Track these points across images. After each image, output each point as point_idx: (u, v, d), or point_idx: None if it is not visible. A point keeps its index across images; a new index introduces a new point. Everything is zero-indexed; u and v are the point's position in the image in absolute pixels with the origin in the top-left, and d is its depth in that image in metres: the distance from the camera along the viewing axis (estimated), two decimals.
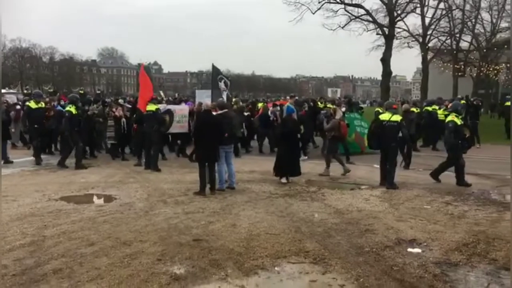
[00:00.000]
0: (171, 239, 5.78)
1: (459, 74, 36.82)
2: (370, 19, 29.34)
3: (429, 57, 34.82)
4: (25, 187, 8.92)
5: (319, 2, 28.36)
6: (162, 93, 22.96)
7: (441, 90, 32.21)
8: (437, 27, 34.46)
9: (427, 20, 33.00)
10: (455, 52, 36.32)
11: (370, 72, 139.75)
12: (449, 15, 33.59)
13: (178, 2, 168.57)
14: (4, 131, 11.92)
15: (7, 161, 11.76)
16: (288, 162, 9.53)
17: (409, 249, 5.52)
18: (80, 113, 11.82)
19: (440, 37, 36.10)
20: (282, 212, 7.18)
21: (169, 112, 12.64)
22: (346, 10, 29.00)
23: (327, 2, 28.58)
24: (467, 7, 33.80)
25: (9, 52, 70.74)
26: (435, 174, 9.78)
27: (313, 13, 28.58)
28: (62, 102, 14.19)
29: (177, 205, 7.59)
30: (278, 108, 14.68)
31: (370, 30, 30.33)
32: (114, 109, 13.04)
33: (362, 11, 29.09)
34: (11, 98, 18.86)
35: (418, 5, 31.44)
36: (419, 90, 38.93)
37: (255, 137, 15.49)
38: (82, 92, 23.65)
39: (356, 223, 6.61)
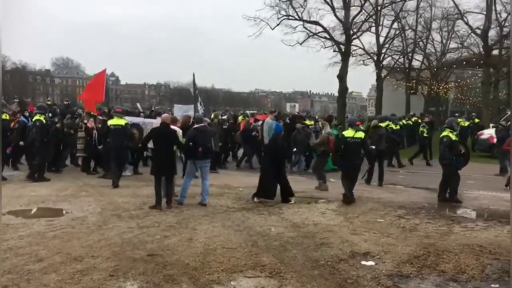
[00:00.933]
0: (125, 254, 5.63)
1: (411, 91, 38.14)
2: (328, 36, 30.01)
3: (383, 74, 35.90)
4: None
5: (278, 18, 28.80)
6: (139, 106, 22.15)
7: (394, 106, 33.31)
8: (391, 46, 35.67)
9: (381, 39, 34.10)
10: (407, 70, 37.66)
11: (328, 88, 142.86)
12: (402, 35, 34.91)
13: (136, 13, 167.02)
14: None
15: None
16: (272, 183, 9.18)
17: (363, 262, 5.62)
18: (49, 124, 11.41)
19: (393, 56, 37.34)
20: (239, 226, 7.16)
21: (138, 127, 12.07)
22: (304, 27, 29.54)
23: (286, 19, 29.09)
24: (419, 27, 35.28)
25: None
26: (442, 196, 9.60)
27: (272, 29, 29.00)
28: (26, 113, 13.51)
29: (131, 219, 7.42)
30: (260, 123, 14.51)
31: (327, 47, 31.00)
32: (85, 121, 12.61)
33: (319, 29, 29.71)
34: None
35: (373, 25, 32.45)
36: (374, 107, 40.01)
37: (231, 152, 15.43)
38: (49, 102, 22.65)
39: (312, 237, 6.67)
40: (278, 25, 28.98)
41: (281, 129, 10.32)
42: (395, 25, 33.74)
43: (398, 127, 16.40)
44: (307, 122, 14.95)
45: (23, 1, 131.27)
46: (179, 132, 9.11)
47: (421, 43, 36.80)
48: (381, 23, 33.11)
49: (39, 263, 5.24)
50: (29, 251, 5.65)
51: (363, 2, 29.48)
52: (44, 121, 11.02)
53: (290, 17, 29.14)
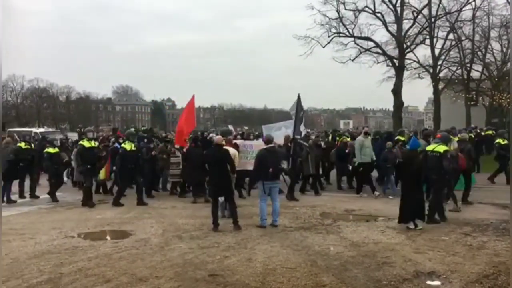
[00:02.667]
0: (187, 275, 5.76)
1: (472, 103, 36.65)
2: (380, 51, 29.67)
3: (440, 87, 34.82)
4: (42, 224, 9.02)
5: (328, 36, 28.88)
6: (231, 127, 22.16)
7: (454, 119, 32.09)
8: (447, 57, 34.61)
9: (436, 51, 33.19)
10: (466, 81, 36.31)
11: (382, 103, 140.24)
12: (459, 45, 33.79)
13: (186, 40, 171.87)
14: (10, 171, 11.79)
15: (10, 201, 11.73)
16: (412, 203, 8.30)
17: (428, 282, 5.43)
18: (141, 150, 11.79)
19: (450, 67, 36.18)
20: (298, 246, 7.13)
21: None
22: (356, 43, 29.41)
23: (337, 36, 29.08)
24: (477, 37, 33.99)
25: (27, 92, 72.53)
26: None
27: (323, 47, 29.06)
28: (120, 140, 13.54)
29: (192, 240, 7.59)
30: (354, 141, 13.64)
31: (380, 62, 30.64)
32: (177, 145, 12.82)
33: (371, 44, 29.49)
34: (72, 136, 18.90)
35: (427, 37, 31.71)
36: (432, 120, 38.75)
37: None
38: (135, 129, 22.70)
39: (373, 256, 6.53)
40: (329, 42, 29.08)
41: (416, 145, 9.12)
42: (451, 36, 32.81)
43: (506, 141, 14.61)
44: (400, 137, 13.96)
45: (81, 36, 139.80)
46: (233, 152, 9.18)
47: (479, 53, 35.42)
48: (435, 34, 32.32)
49: (107, 284, 5.46)
50: (97, 272, 5.90)
51: (416, 14, 29.00)
52: (128, 148, 11.19)
53: (341, 34, 29.15)
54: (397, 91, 28.26)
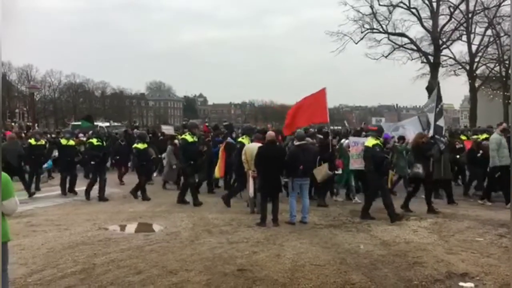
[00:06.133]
0: (216, 269, 5.82)
1: (510, 101, 35.52)
2: (414, 47, 29.18)
3: (477, 84, 33.90)
4: (77, 216, 9.28)
5: (361, 32, 28.60)
6: (346, 123, 21.68)
7: (490, 118, 31.12)
8: (484, 54, 33.66)
9: (474, 48, 32.34)
10: (504, 79, 35.19)
11: (416, 100, 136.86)
12: (497, 41, 32.79)
13: (216, 37, 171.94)
14: (21, 166, 11.70)
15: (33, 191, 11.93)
16: None
17: (461, 283, 5.31)
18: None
19: (488, 64, 35.17)
20: (327, 243, 7.09)
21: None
22: (389, 40, 29.06)
23: (370, 32, 28.75)
24: None
25: (64, 87, 74.60)
26: None
27: (356, 43, 28.81)
28: (234, 134, 12.95)
29: (221, 234, 7.65)
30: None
31: (414, 58, 30.18)
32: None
33: (406, 40, 29.09)
34: (169, 131, 17.47)
35: (464, 33, 30.95)
36: (468, 119, 37.75)
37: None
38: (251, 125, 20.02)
39: (404, 255, 6.43)
40: (362, 39, 28.84)
41: None
42: (489, 32, 31.88)
43: None
44: None
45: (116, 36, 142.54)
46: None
47: None
48: (473, 30, 31.51)
49: (138, 275, 5.57)
50: (129, 264, 6.03)
51: (452, 10, 28.36)
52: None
53: (375, 30, 28.88)
54: (431, 89, 27.67)
